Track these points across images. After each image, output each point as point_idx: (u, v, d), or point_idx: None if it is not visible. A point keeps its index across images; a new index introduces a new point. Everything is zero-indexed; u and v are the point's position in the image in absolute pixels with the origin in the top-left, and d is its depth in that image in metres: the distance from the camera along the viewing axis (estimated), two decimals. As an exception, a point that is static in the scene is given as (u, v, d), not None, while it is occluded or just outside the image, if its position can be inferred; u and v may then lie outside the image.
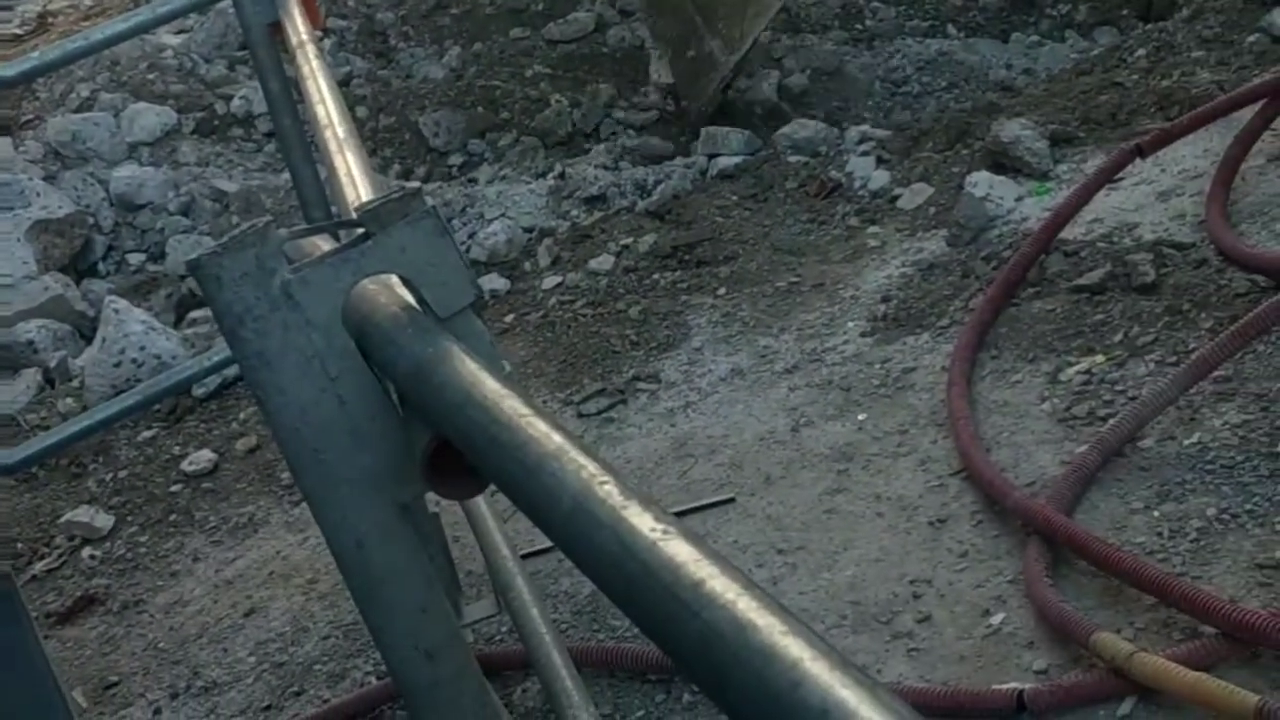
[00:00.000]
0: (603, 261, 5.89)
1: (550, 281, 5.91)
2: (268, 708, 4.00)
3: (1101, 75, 6.18)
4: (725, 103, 7.31)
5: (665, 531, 0.99)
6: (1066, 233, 4.80)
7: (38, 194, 6.95)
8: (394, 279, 1.65)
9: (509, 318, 5.74)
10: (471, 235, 6.36)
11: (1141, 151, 5.01)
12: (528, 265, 6.16)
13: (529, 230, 6.44)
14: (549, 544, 4.04)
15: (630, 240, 5.99)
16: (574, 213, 6.53)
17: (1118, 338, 4.21)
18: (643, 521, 1.01)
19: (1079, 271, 4.59)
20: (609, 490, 1.08)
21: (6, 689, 2.33)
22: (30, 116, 8.10)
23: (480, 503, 3.40)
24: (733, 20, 7.01)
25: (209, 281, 1.57)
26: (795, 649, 0.82)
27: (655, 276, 5.70)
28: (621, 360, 5.15)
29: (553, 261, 6.10)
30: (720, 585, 0.90)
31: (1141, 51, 6.24)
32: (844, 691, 0.78)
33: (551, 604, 3.85)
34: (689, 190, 6.46)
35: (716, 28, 7.07)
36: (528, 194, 6.68)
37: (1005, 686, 3.11)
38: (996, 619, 3.37)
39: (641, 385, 4.96)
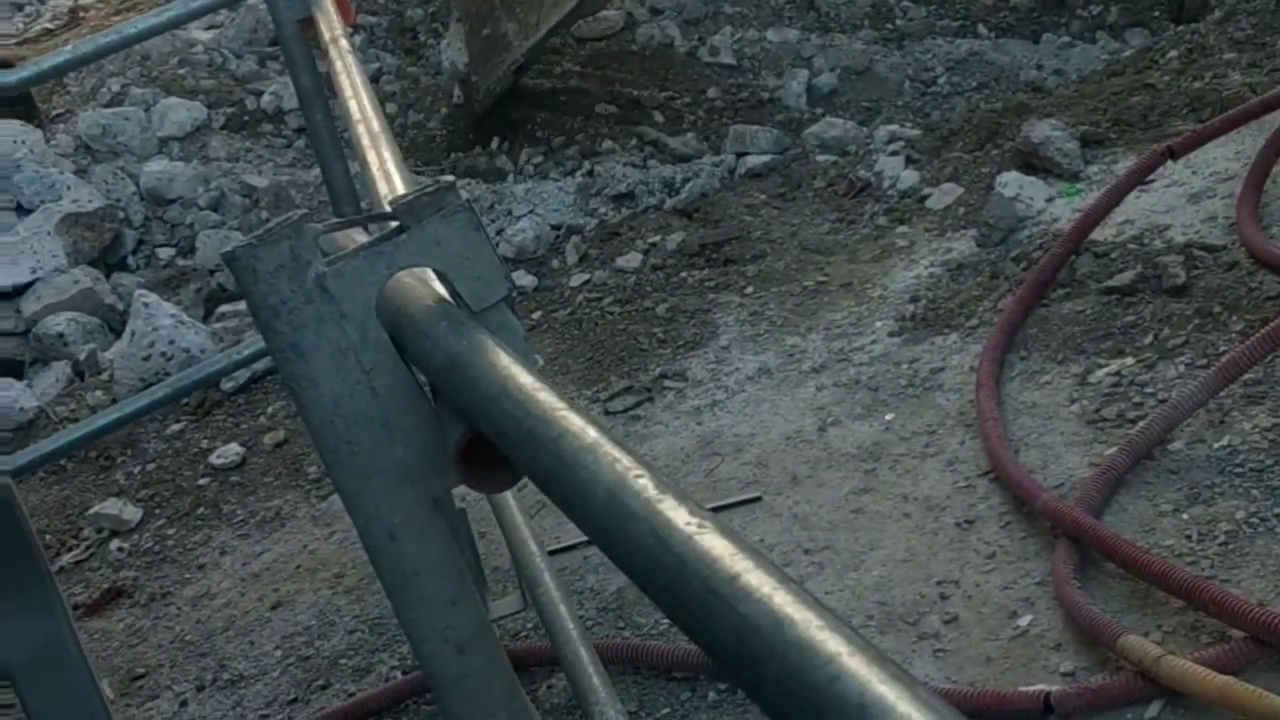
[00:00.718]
0: (630, 259, 5.89)
1: (578, 279, 5.91)
2: (293, 701, 4.01)
3: (1133, 76, 6.16)
4: (516, 87, 7.37)
5: (700, 525, 0.99)
6: (1097, 234, 4.79)
7: (68, 187, 6.97)
8: (428, 272, 1.65)
9: (536, 315, 5.74)
10: (500, 232, 6.37)
11: (1173, 153, 4.99)
12: (555, 263, 6.17)
13: (557, 227, 6.44)
14: (576, 540, 4.06)
15: (658, 238, 5.99)
16: (602, 210, 6.54)
17: (1148, 340, 4.20)
18: (678, 515, 1.01)
19: (1109, 273, 4.58)
20: (644, 484, 1.07)
21: (42, 677, 2.34)
22: (61, 110, 8.13)
23: (508, 498, 3.40)
24: (530, 6, 7.09)
25: (244, 274, 1.58)
26: (832, 644, 0.82)
27: (683, 275, 5.70)
28: (648, 358, 5.15)
29: (580, 259, 6.10)
30: (756, 579, 0.90)
31: (1173, 53, 6.22)
32: (881, 687, 0.78)
33: (578, 600, 3.85)
34: (717, 189, 6.45)
35: (514, 11, 7.15)
36: (556, 191, 6.68)
37: (1032, 688, 3.11)
38: (1024, 620, 3.36)
39: (668, 383, 4.96)
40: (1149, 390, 3.99)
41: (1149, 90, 5.90)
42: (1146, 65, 6.28)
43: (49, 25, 9.48)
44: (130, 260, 7.06)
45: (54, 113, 8.12)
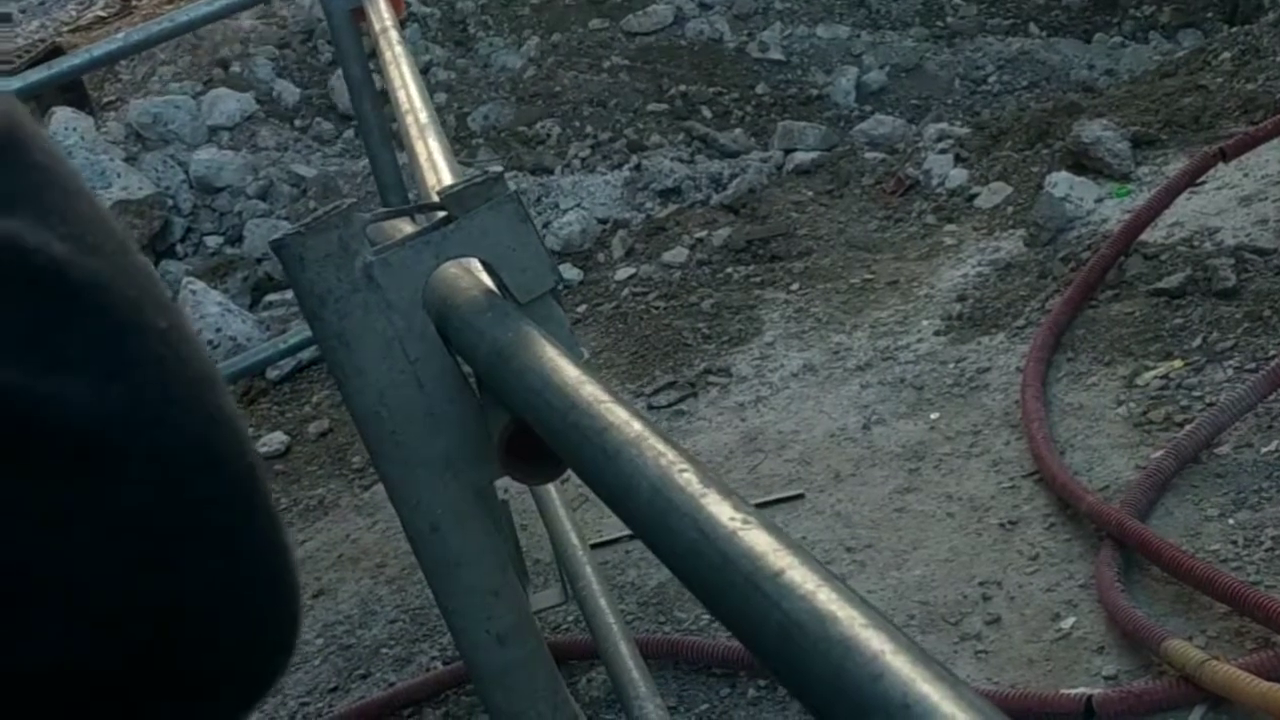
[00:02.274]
0: (676, 254, 5.89)
1: (623, 273, 5.91)
2: (334, 689, 4.03)
3: (1185, 78, 6.11)
4: None
5: (745, 521, 0.98)
6: (1146, 235, 4.76)
7: (118, 175, 7.01)
8: (475, 263, 1.65)
9: (581, 308, 5.74)
10: (546, 225, 6.37)
11: (1224, 155, 4.94)
12: (601, 256, 6.17)
13: (603, 221, 6.44)
14: (618, 534, 4.06)
15: (704, 233, 5.98)
16: (648, 205, 6.53)
17: (1196, 343, 4.17)
18: (722, 510, 1.00)
19: (1158, 275, 4.54)
20: (688, 478, 1.07)
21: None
22: (113, 98, 8.18)
23: (550, 491, 3.41)
24: None
25: (292, 262, 1.58)
26: (876, 642, 0.81)
27: (728, 270, 5.69)
28: (693, 353, 5.15)
29: (626, 253, 6.10)
30: (800, 576, 0.89)
31: (1226, 54, 6.17)
32: (926, 687, 0.77)
33: (619, 594, 3.85)
34: (764, 184, 6.44)
35: None
36: (603, 185, 6.68)
37: (1074, 691, 3.09)
38: (1067, 623, 3.34)
39: (712, 379, 4.95)
40: (1197, 393, 3.96)
41: (1201, 91, 5.86)
42: (1199, 66, 6.23)
43: (101, 12, 9.54)
44: (178, 248, 7.09)
45: (105, 100, 8.17)
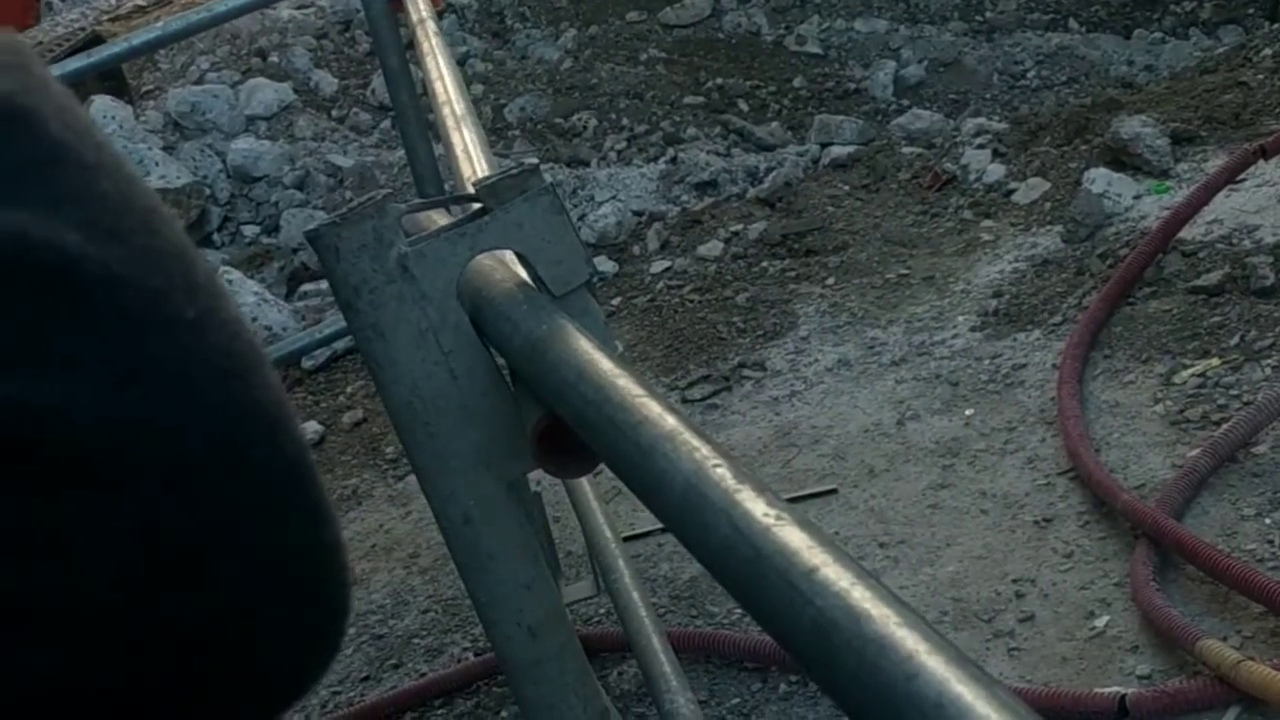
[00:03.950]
0: (711, 248, 5.88)
1: (658, 266, 5.90)
2: (366, 679, 4.04)
3: (1226, 74, 6.07)
4: None
5: (779, 517, 0.98)
6: (1185, 233, 4.73)
7: (156, 163, 7.04)
8: (509, 255, 1.65)
9: (616, 301, 5.74)
10: (582, 217, 6.37)
11: (1265, 153, 4.91)
12: (636, 249, 6.16)
13: (639, 214, 6.43)
14: (650, 527, 4.06)
15: (740, 227, 5.97)
16: (684, 198, 6.52)
17: (1234, 341, 4.14)
18: (756, 506, 1.00)
19: (1196, 272, 4.51)
20: (722, 474, 1.07)
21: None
22: (151, 87, 8.21)
23: (583, 483, 3.40)
24: None
25: (327, 252, 1.58)
26: (910, 641, 0.81)
27: (764, 264, 5.68)
28: (727, 347, 5.14)
29: (661, 246, 6.09)
30: (834, 573, 0.89)
31: (1268, 51, 6.12)
32: (960, 686, 0.76)
33: (651, 588, 3.85)
34: (800, 178, 6.42)
35: None
36: (639, 178, 6.67)
37: (1107, 690, 3.08)
38: (1101, 621, 3.33)
39: (747, 373, 4.94)
40: (1234, 392, 3.93)
41: (1241, 88, 5.82)
42: (1240, 63, 6.19)
43: (141, 1, 9.57)
44: (215, 237, 7.12)
45: (144, 89, 8.20)
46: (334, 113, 7.87)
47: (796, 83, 7.69)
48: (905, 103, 7.44)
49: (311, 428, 5.44)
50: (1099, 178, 5.24)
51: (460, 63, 7.85)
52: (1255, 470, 3.62)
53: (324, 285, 6.09)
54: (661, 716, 2.78)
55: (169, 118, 7.55)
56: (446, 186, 4.83)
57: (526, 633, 1.71)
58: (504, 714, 3.70)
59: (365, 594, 4.39)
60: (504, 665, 1.79)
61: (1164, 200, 5.11)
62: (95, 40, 7.46)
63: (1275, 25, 6.80)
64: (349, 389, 5.68)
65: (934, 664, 0.78)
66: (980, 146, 6.15)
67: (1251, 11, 7.67)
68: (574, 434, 1.38)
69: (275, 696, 0.66)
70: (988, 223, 5.56)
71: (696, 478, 1.07)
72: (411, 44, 4.10)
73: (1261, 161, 4.93)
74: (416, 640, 4.12)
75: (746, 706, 3.47)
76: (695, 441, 1.11)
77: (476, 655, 3.93)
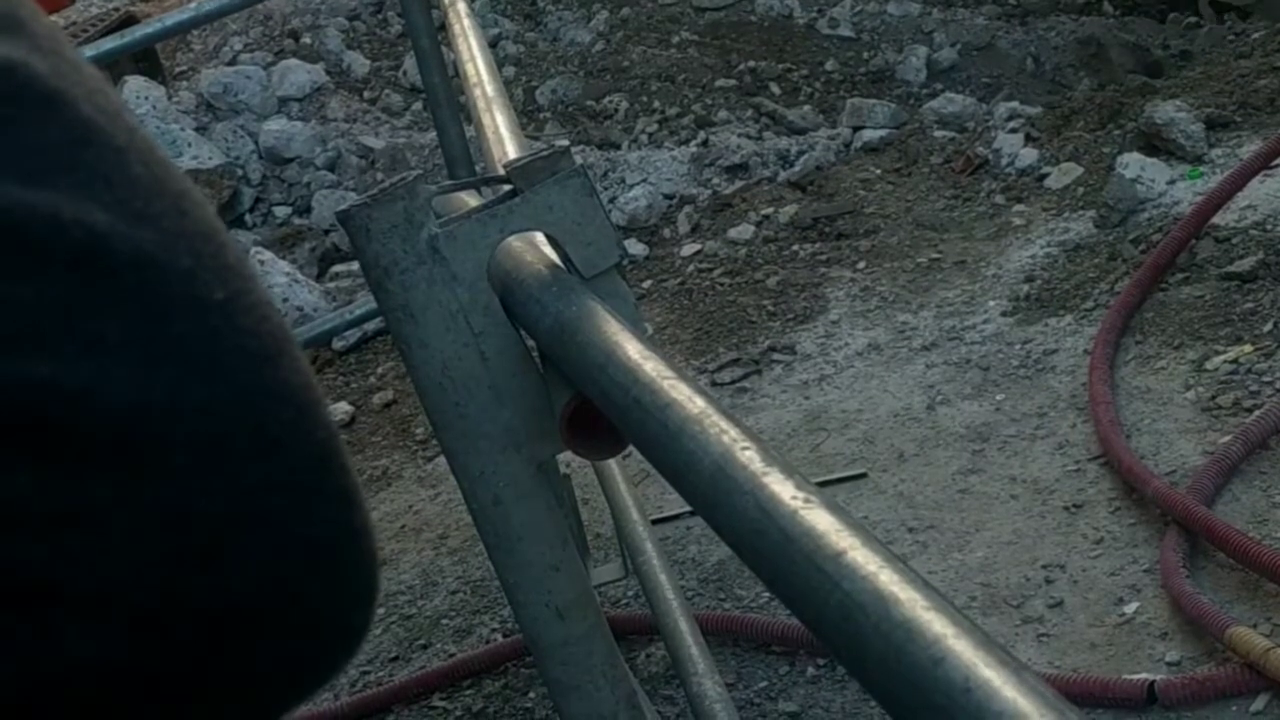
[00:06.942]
0: (742, 231, 5.87)
1: (689, 249, 5.90)
2: (395, 659, 4.05)
3: (1261, 59, 6.03)
4: None
5: (807, 500, 0.97)
6: (1218, 218, 4.70)
7: (189, 144, 7.06)
8: (539, 237, 1.65)
9: (647, 284, 5.74)
10: (612, 200, 6.37)
11: (1300, 138, 4.88)
12: (667, 232, 6.16)
13: (670, 197, 6.43)
14: (679, 510, 4.06)
15: (771, 210, 5.96)
16: (715, 181, 6.51)
17: (1267, 327, 4.12)
18: (784, 489, 1.00)
19: (1230, 259, 4.49)
20: (750, 456, 1.06)
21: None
22: (184, 68, 8.24)
23: (612, 466, 3.41)
24: None
25: (357, 233, 1.58)
26: (938, 625, 0.80)
27: (795, 248, 5.67)
28: (757, 330, 5.13)
29: (692, 229, 6.09)
30: (862, 557, 0.89)
31: (1304, 36, 6.09)
32: (988, 671, 0.76)
33: (679, 570, 3.85)
34: (832, 162, 6.41)
35: None
36: (670, 160, 6.66)
37: (1136, 677, 3.07)
38: (1130, 608, 3.32)
39: (777, 356, 4.94)
40: (1266, 379, 3.92)
41: (1277, 74, 5.78)
42: (1275, 48, 6.15)
43: (174, -17, 9.59)
44: (247, 218, 7.14)
45: (177, 70, 8.22)
46: (366, 94, 7.88)
47: (828, 66, 7.67)
48: (938, 86, 7.40)
49: (342, 408, 5.45)
50: (1132, 163, 5.22)
51: (492, 45, 7.84)
52: (1287, 457, 3.61)
53: (355, 266, 6.10)
54: (689, 699, 2.78)
55: (202, 99, 7.57)
56: (477, 168, 4.83)
57: (555, 614, 1.71)
58: (532, 695, 3.71)
59: (394, 574, 4.41)
60: (532, 646, 1.80)
61: (1197, 186, 5.08)
62: (128, 21, 7.48)
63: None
64: (379, 370, 5.69)
65: (961, 648, 0.78)
66: (1013, 131, 6.12)
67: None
68: (602, 416, 1.38)
69: (305, 678, 0.66)
70: (1020, 207, 5.54)
71: (725, 460, 1.07)
72: (443, 25, 4.10)
73: (1297, 147, 4.91)
74: (445, 621, 4.14)
75: (774, 689, 3.47)
76: (724, 424, 1.11)
77: (505, 636, 3.94)
